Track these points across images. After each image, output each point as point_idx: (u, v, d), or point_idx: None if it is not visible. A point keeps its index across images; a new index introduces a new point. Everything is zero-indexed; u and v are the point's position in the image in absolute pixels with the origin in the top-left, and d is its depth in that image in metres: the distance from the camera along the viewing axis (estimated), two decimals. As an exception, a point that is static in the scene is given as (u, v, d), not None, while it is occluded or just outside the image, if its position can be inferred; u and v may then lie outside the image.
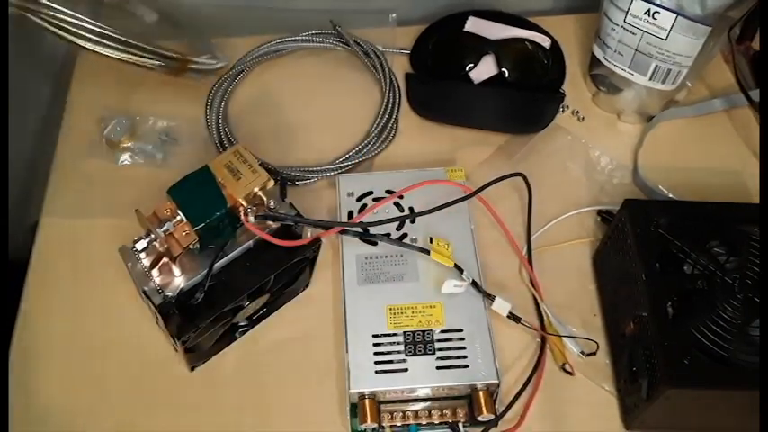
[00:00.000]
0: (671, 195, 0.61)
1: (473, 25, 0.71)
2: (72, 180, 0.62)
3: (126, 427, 0.50)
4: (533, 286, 0.56)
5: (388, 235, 0.55)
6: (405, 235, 0.55)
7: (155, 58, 0.57)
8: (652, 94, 0.65)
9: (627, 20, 0.61)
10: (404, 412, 0.49)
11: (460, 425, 0.49)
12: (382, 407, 0.49)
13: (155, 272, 0.47)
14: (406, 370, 0.48)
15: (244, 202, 0.47)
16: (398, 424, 0.49)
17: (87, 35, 0.52)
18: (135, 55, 0.56)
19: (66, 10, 0.50)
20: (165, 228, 0.46)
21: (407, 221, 0.56)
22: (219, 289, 0.48)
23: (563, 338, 0.53)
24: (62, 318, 0.55)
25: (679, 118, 0.68)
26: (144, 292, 0.46)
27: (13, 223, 0.71)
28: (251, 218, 0.48)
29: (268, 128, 0.67)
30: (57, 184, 0.62)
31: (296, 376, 0.52)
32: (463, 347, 0.49)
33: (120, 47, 0.54)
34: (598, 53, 0.66)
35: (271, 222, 0.50)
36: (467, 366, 0.49)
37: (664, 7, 0.58)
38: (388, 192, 0.58)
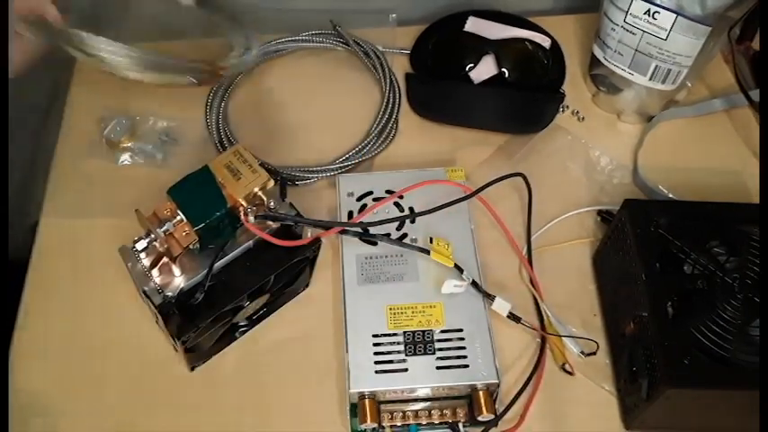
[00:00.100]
0: (671, 195, 0.61)
1: (473, 25, 0.71)
2: (72, 180, 0.62)
3: (126, 426, 0.50)
4: (533, 286, 0.56)
5: (388, 235, 0.55)
6: (405, 235, 0.55)
7: (189, 74, 0.56)
8: (652, 94, 0.65)
9: (627, 20, 0.61)
10: (404, 412, 0.49)
11: (460, 425, 0.49)
12: (382, 407, 0.49)
13: (155, 272, 0.47)
14: (406, 370, 0.48)
15: (244, 202, 0.47)
16: (398, 424, 0.49)
17: (128, 64, 0.51)
18: (172, 75, 0.55)
19: (106, 42, 0.50)
20: (165, 228, 0.46)
21: (407, 221, 0.56)
22: (220, 289, 0.48)
23: (563, 338, 0.53)
24: (62, 318, 0.55)
25: (679, 118, 0.68)
26: (144, 293, 0.46)
27: (13, 223, 0.71)
28: (251, 218, 0.48)
29: (268, 128, 0.67)
30: (57, 184, 0.62)
31: (296, 376, 0.52)
32: (463, 347, 0.49)
33: (158, 72, 0.53)
34: (598, 53, 0.66)
35: (271, 222, 0.50)
36: (467, 366, 0.49)
37: (664, 7, 0.58)
38: (388, 192, 0.58)
